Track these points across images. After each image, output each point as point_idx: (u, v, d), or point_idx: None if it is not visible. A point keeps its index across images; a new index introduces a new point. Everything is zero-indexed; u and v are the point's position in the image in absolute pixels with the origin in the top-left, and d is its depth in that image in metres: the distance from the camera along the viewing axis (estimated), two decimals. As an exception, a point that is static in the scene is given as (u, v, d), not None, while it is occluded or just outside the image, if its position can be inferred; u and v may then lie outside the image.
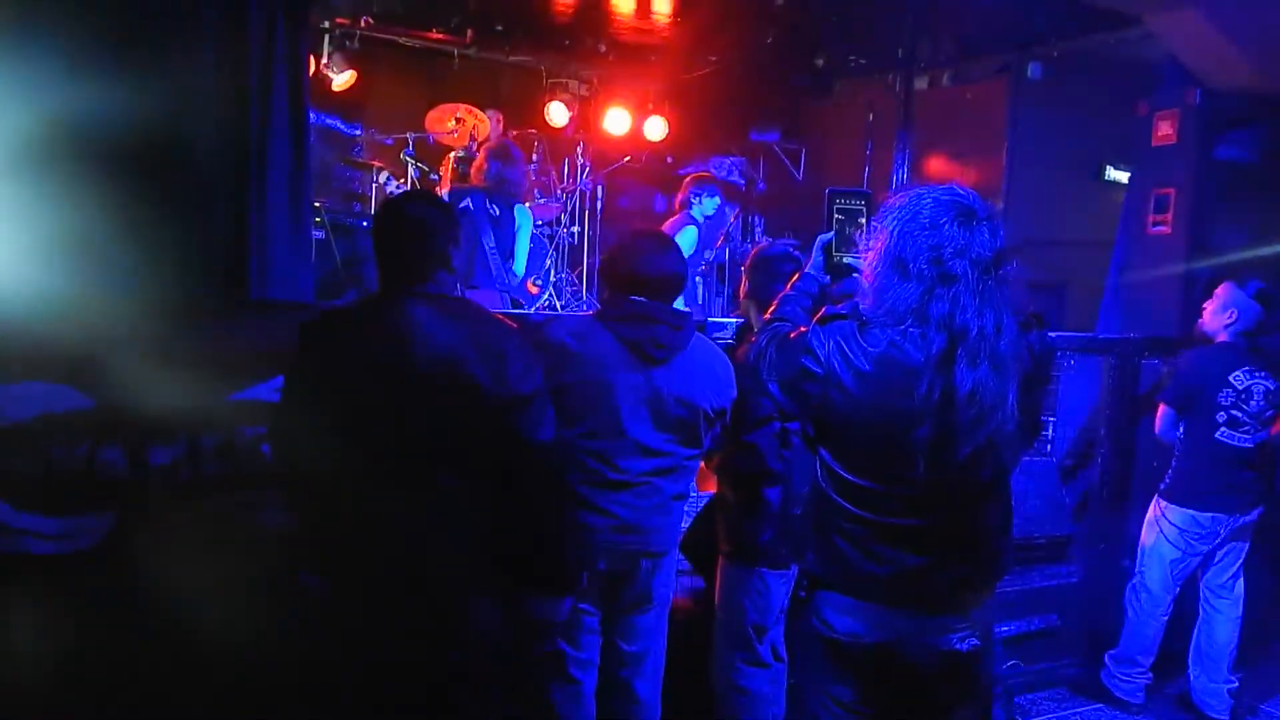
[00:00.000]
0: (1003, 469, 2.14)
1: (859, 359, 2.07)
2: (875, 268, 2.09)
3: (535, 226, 7.16)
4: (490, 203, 5.62)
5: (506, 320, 2.53)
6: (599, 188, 8.51)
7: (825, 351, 2.10)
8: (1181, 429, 4.18)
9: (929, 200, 2.05)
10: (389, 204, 2.67)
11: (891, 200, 2.11)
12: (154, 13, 3.32)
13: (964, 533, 2.15)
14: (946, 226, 2.01)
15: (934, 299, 1.99)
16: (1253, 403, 4.05)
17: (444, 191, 5.91)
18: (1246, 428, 4.07)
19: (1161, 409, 4.21)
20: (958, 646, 2.15)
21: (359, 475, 2.35)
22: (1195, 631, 4.32)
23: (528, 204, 6.41)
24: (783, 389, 2.20)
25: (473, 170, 5.94)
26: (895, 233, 2.05)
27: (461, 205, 5.51)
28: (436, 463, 2.39)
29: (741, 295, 3.32)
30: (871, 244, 2.12)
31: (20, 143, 3.04)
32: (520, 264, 5.81)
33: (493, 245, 5.59)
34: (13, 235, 3.00)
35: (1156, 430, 4.27)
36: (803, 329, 2.22)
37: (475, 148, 7.26)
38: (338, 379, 2.39)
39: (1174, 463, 4.21)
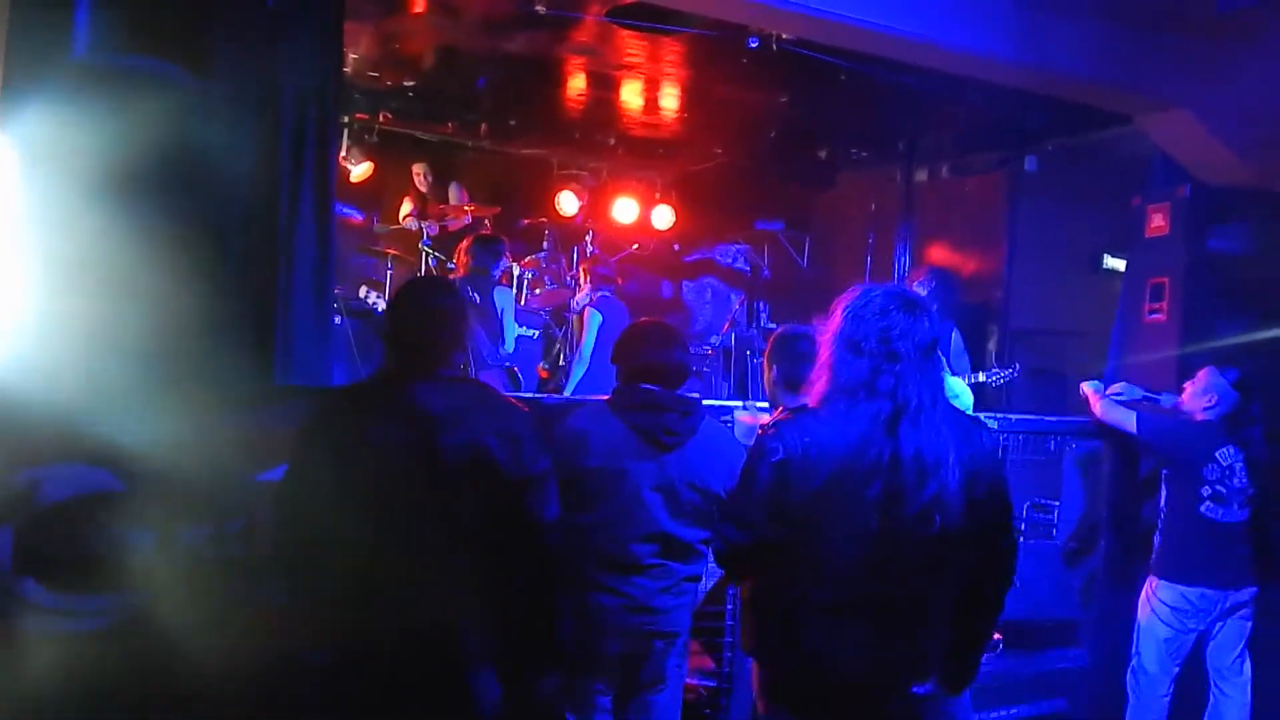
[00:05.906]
0: (952, 535, 2.28)
1: (813, 432, 2.28)
2: (830, 349, 2.34)
3: (544, 313, 7.34)
4: (471, 290, 5.95)
5: (518, 403, 2.64)
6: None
7: (781, 441, 2.31)
8: (1164, 499, 4.25)
9: (879, 292, 2.34)
10: (409, 290, 2.74)
11: (844, 294, 2.38)
12: (192, 118, 3.48)
13: (918, 605, 2.33)
14: (894, 313, 2.28)
15: (882, 374, 2.25)
16: (1235, 479, 4.13)
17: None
18: (1231, 503, 4.14)
19: (1132, 416, 4.37)
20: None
21: (367, 550, 2.40)
22: (1205, 716, 4.31)
23: (509, 285, 6.88)
24: (762, 498, 2.34)
25: (459, 251, 6.32)
26: (849, 318, 2.32)
27: None
28: (447, 540, 2.47)
29: (767, 381, 3.32)
30: (823, 331, 2.38)
31: (60, 237, 3.17)
32: (510, 342, 6.22)
33: (480, 331, 5.98)
34: (52, 326, 3.12)
35: (1098, 412, 4.52)
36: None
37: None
38: (353, 455, 2.45)
39: (1158, 536, 4.27)
